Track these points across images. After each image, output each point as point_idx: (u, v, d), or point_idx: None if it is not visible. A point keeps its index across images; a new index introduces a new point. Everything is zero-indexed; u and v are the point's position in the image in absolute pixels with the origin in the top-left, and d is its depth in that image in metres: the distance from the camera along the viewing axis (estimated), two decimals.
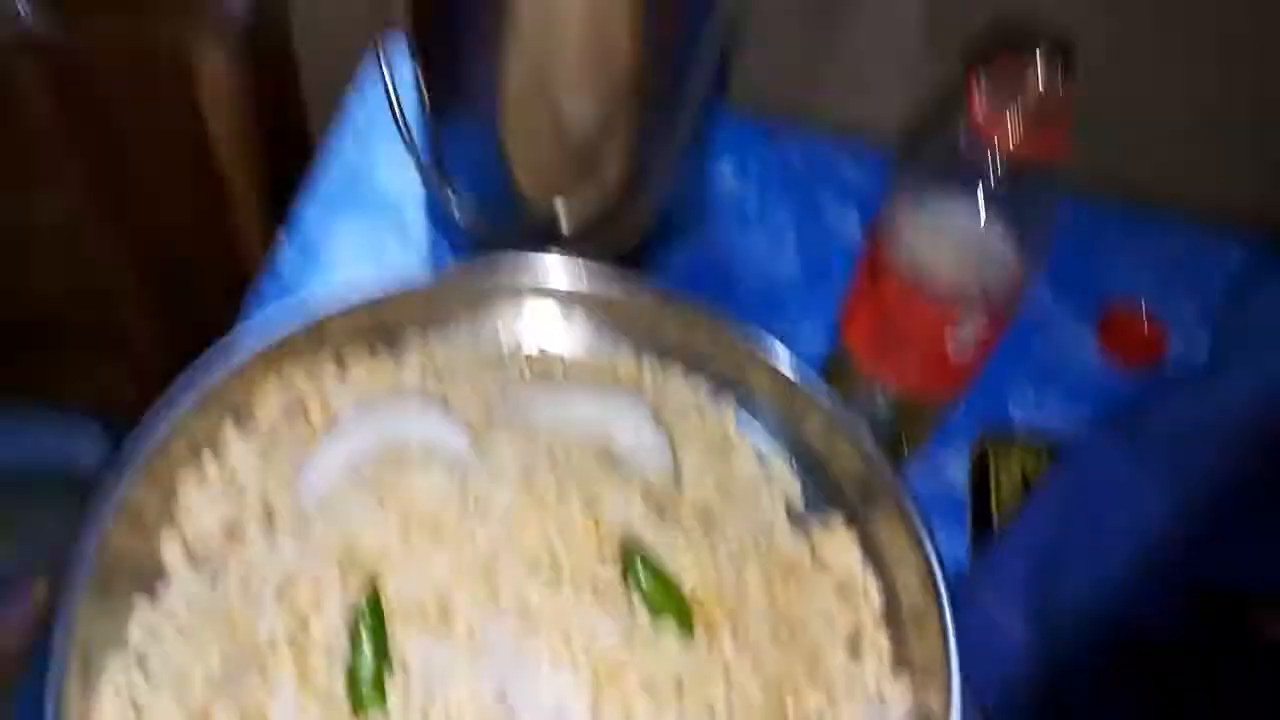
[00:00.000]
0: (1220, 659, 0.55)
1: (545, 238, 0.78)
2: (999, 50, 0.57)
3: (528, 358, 0.71)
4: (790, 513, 0.66)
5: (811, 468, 0.68)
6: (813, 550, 0.64)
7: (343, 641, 0.54)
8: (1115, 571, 0.58)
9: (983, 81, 0.56)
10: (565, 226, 0.80)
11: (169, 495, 0.63)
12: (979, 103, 0.56)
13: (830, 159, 0.91)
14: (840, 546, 0.64)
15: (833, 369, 0.71)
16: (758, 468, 0.68)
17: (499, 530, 0.58)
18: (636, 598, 0.57)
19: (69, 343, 0.97)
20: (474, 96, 0.73)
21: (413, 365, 0.69)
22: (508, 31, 0.67)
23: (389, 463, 0.62)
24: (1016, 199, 0.58)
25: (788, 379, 0.67)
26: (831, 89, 1.05)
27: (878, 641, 0.62)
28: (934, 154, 0.61)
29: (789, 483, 0.67)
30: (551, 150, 0.75)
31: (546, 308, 0.72)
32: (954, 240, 0.61)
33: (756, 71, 1.06)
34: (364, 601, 0.55)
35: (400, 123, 0.76)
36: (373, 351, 0.70)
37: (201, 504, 0.62)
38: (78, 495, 0.81)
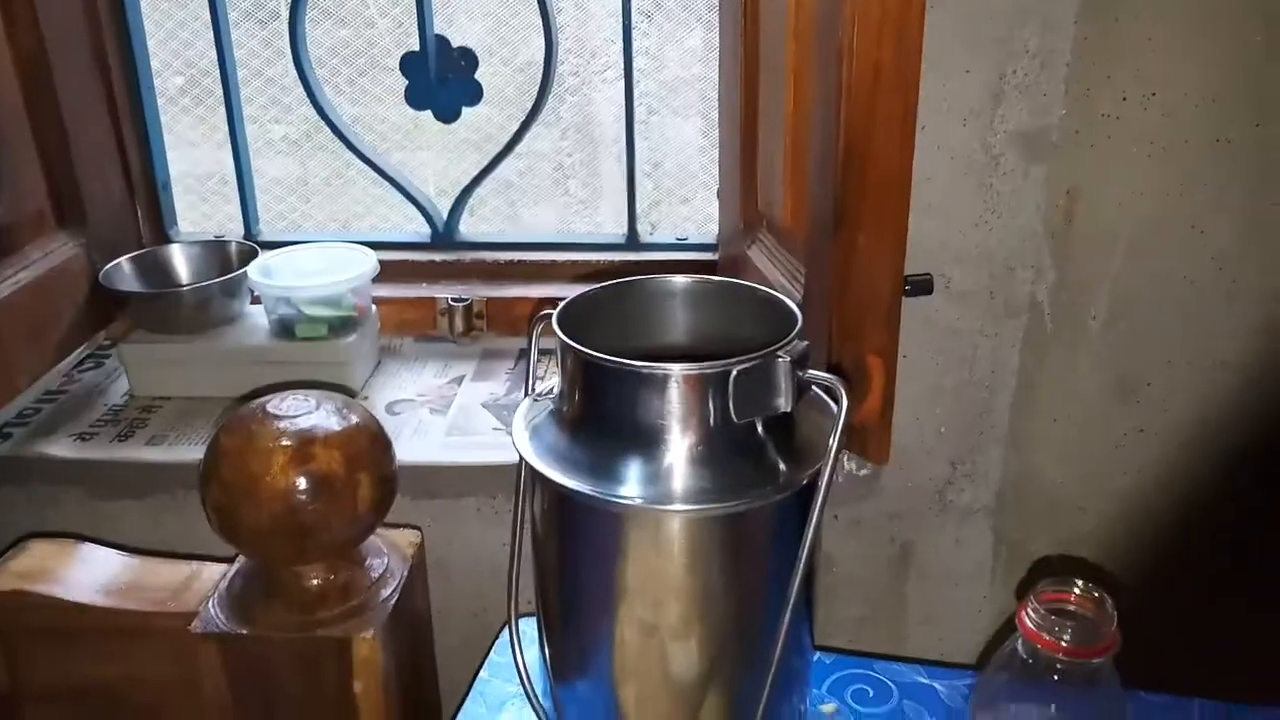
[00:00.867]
0: None
1: None
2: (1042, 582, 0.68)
3: None
4: None
5: None
6: None
7: None
8: None
9: (1029, 601, 0.66)
10: None
11: None
12: (1028, 614, 0.65)
13: (923, 680, 0.97)
14: None
15: None
16: None
17: None
18: None
19: None
20: (590, 655, 0.84)
21: None
22: (617, 599, 0.79)
23: None
24: (1080, 696, 0.65)
25: None
26: (910, 631, 1.14)
27: None
28: (1004, 665, 0.69)
29: None
30: (660, 698, 0.83)
31: None
32: None
33: (844, 622, 1.17)
34: None
35: (525, 680, 0.86)
36: None
37: None
38: None
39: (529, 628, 0.86)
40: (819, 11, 1.01)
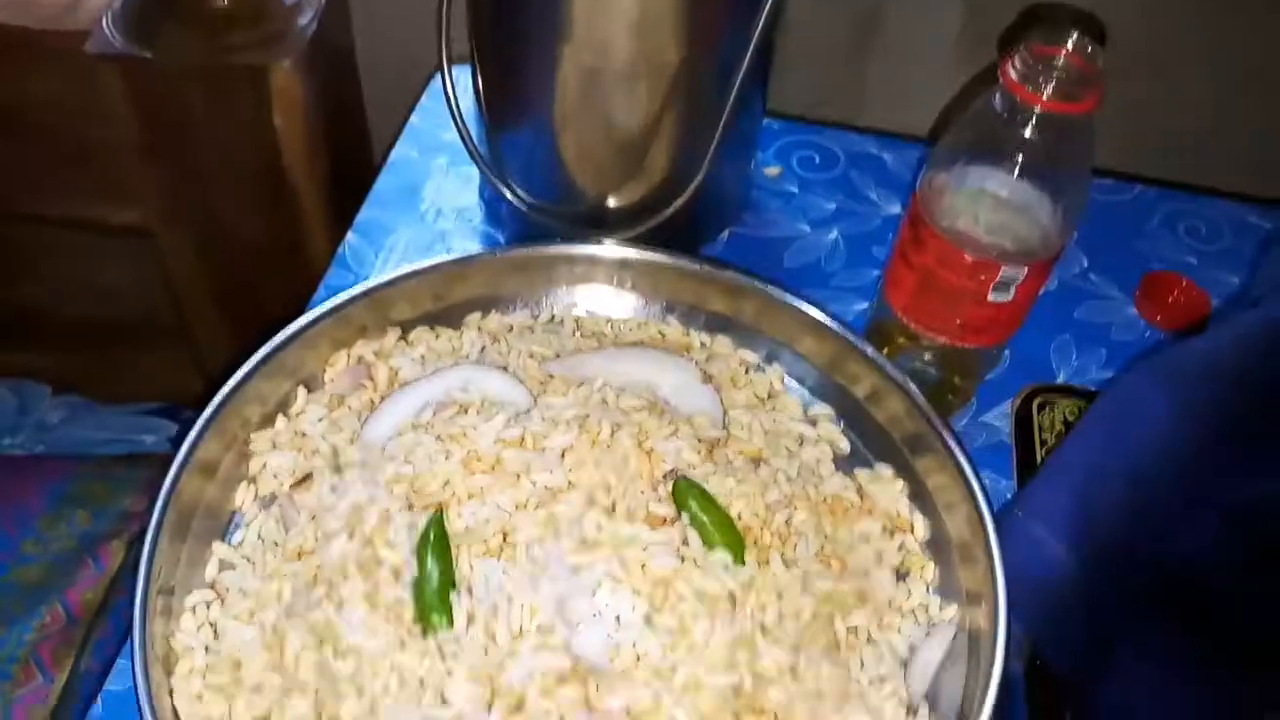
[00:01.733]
0: (1255, 582, 0.56)
1: (596, 227, 0.81)
2: (1031, 32, 0.61)
3: (578, 319, 0.74)
4: (837, 460, 0.68)
5: (859, 425, 0.70)
6: (860, 490, 0.66)
7: (409, 565, 0.57)
8: (1152, 499, 0.58)
9: (1017, 51, 0.59)
10: (614, 217, 0.83)
11: (242, 454, 0.66)
12: (1013, 65, 0.58)
13: (872, 151, 0.94)
14: (887, 489, 0.66)
15: (877, 333, 0.74)
16: (804, 421, 0.70)
17: (557, 468, 0.60)
18: (690, 528, 0.59)
19: (143, 340, 1.03)
20: (530, 102, 0.78)
21: (472, 336, 0.72)
22: (561, 40, 0.71)
23: (452, 414, 0.65)
24: (1051, 156, 0.61)
25: (835, 341, 0.69)
26: (872, 99, 1.09)
27: (924, 569, 0.63)
28: (971, 121, 0.64)
29: (835, 434, 0.69)
30: (601, 148, 0.79)
31: (597, 284, 0.75)
32: (992, 200, 0.64)
33: (800, 85, 1.10)
34: (429, 524, 0.57)
35: (461, 128, 0.81)
36: (434, 328, 0.73)
37: (272, 457, 0.66)
38: (147, 476, 0.86)
39: (463, 76, 0.79)
40: None
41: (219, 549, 0.62)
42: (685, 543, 0.58)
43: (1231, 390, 0.59)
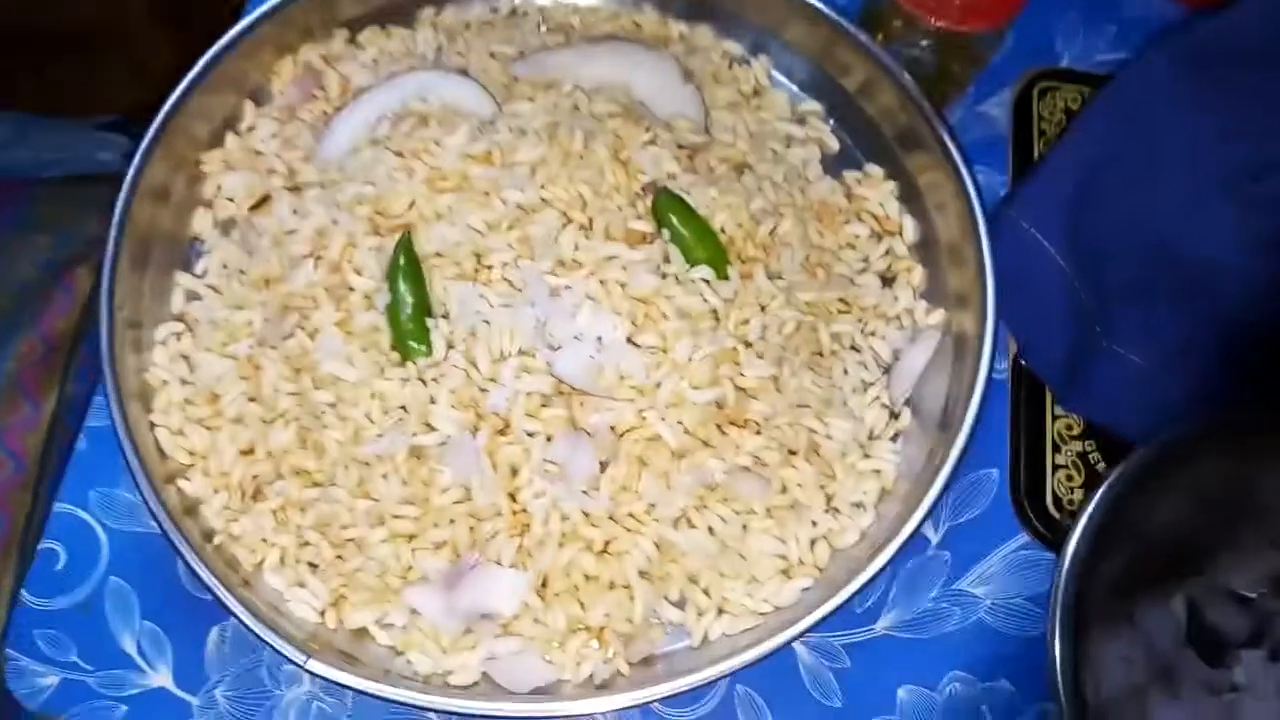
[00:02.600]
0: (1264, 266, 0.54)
1: None
2: None
3: (542, 9, 0.67)
4: (825, 161, 0.65)
5: (849, 121, 0.66)
6: (848, 194, 0.63)
7: (380, 291, 0.55)
8: (1168, 189, 0.55)
9: None
10: None
11: (194, 177, 0.62)
12: None
13: None
14: (877, 190, 0.63)
15: (870, 21, 0.67)
16: (792, 120, 0.65)
17: (528, 184, 0.57)
18: (671, 244, 0.57)
19: (84, 52, 0.95)
20: None
21: (427, 35, 0.66)
22: None
23: (411, 126, 0.60)
24: None
25: (826, 26, 0.63)
26: None
27: (911, 273, 0.61)
28: None
29: (824, 133, 0.65)
30: None
31: None
32: None
33: None
34: (397, 248, 0.55)
35: None
36: (385, 28, 0.67)
37: (226, 178, 0.62)
38: (107, 196, 0.82)
39: None
40: None
41: (183, 279, 0.60)
42: (666, 259, 0.56)
43: (1258, 72, 0.55)
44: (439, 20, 0.67)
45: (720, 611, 0.54)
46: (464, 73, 0.63)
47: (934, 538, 0.58)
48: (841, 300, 0.60)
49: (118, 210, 0.57)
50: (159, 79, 0.73)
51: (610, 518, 0.53)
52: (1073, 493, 0.59)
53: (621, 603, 0.52)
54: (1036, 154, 0.67)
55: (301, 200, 0.59)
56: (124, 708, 0.53)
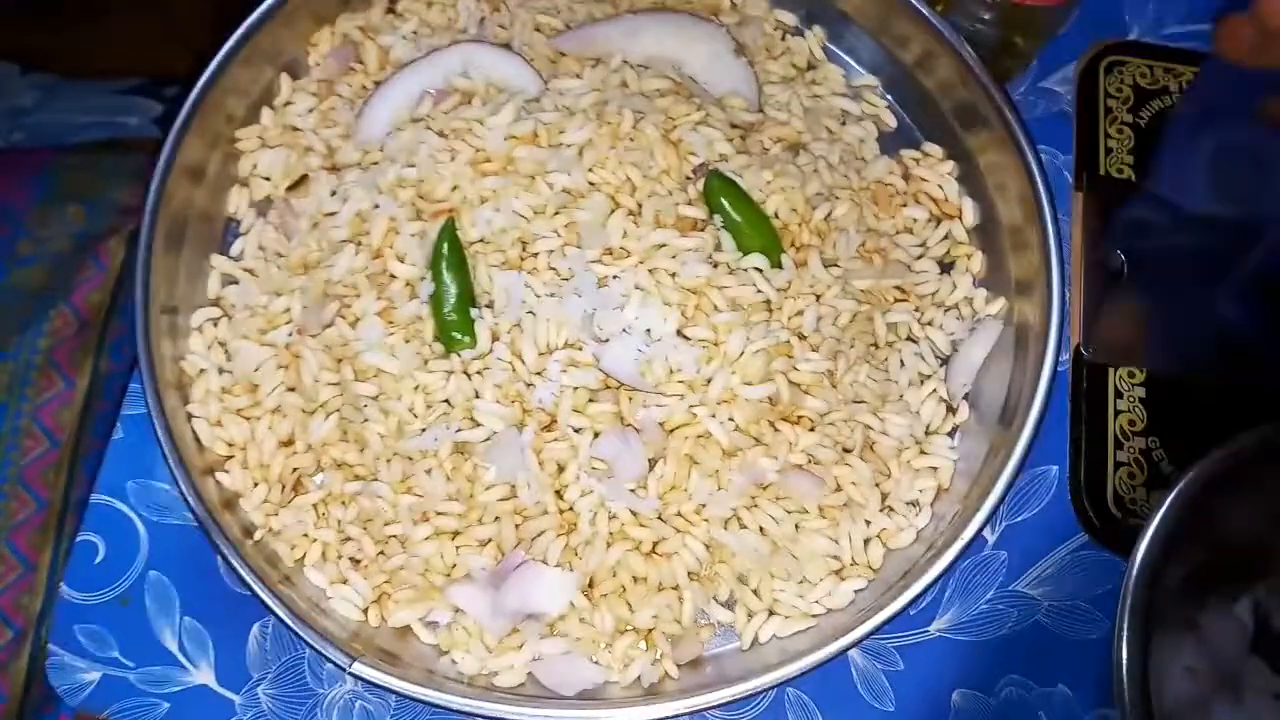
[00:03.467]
0: None
1: None
2: None
3: None
4: (881, 139, 0.62)
5: (907, 96, 0.63)
6: (905, 174, 0.60)
7: (423, 279, 0.53)
8: None
9: None
10: None
11: (229, 155, 0.60)
12: None
13: None
14: (934, 171, 0.60)
15: None
16: (848, 94, 0.63)
17: (575, 167, 0.55)
18: (723, 231, 0.54)
19: (113, 11, 0.93)
20: None
21: (469, 5, 0.63)
22: None
23: (454, 104, 0.58)
24: None
25: None
26: None
27: (971, 259, 0.59)
28: None
29: (881, 109, 0.62)
30: None
31: None
32: None
33: None
34: (441, 234, 0.53)
35: None
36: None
37: (262, 156, 0.60)
38: (137, 164, 0.81)
39: None
40: None
41: (219, 261, 0.58)
42: (718, 247, 0.54)
43: None
44: None
45: (771, 613, 0.52)
46: (508, 46, 0.60)
47: (990, 537, 0.57)
48: (898, 288, 0.57)
49: (152, 191, 0.55)
50: (186, 38, 0.71)
51: (659, 517, 0.51)
52: (1134, 491, 0.57)
53: (670, 604, 0.51)
54: (1102, 132, 0.64)
55: (341, 181, 0.57)
56: (166, 705, 0.53)
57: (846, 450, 0.53)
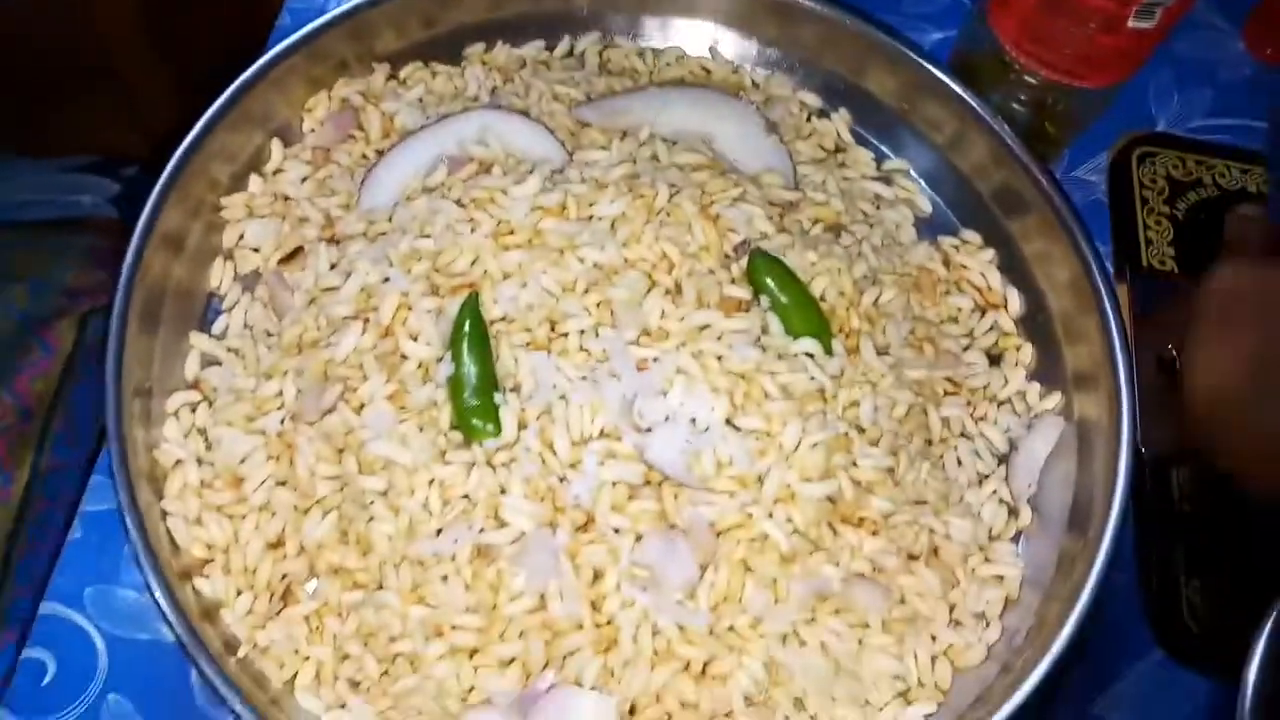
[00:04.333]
0: None
1: None
2: None
3: (602, 52, 0.61)
4: (916, 225, 0.59)
5: (940, 180, 0.60)
6: (946, 260, 0.57)
7: (439, 358, 0.47)
8: None
9: None
10: None
11: (212, 224, 0.55)
12: None
13: None
14: (975, 258, 0.57)
15: (961, 70, 0.62)
16: (878, 177, 0.59)
17: (608, 241, 0.50)
18: (770, 313, 0.50)
19: (66, 88, 0.87)
20: None
21: (477, 73, 0.59)
22: None
23: (471, 173, 0.53)
24: None
25: (912, 73, 0.58)
26: None
27: (1020, 351, 0.55)
28: None
29: (914, 192, 0.59)
30: None
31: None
32: None
33: None
34: (463, 310, 0.47)
35: None
36: (429, 65, 0.60)
37: (250, 226, 0.54)
38: (89, 243, 0.75)
39: None
40: None
41: (199, 340, 0.52)
42: (765, 330, 0.49)
43: None
44: (490, 58, 0.61)
45: None
46: (525, 114, 0.56)
47: None
48: (949, 380, 0.53)
49: (127, 261, 0.49)
50: (149, 118, 0.66)
51: (710, 632, 0.45)
52: (1209, 601, 0.53)
53: None
54: (1140, 221, 0.62)
55: (343, 253, 0.51)
56: None
57: (912, 557, 0.48)
